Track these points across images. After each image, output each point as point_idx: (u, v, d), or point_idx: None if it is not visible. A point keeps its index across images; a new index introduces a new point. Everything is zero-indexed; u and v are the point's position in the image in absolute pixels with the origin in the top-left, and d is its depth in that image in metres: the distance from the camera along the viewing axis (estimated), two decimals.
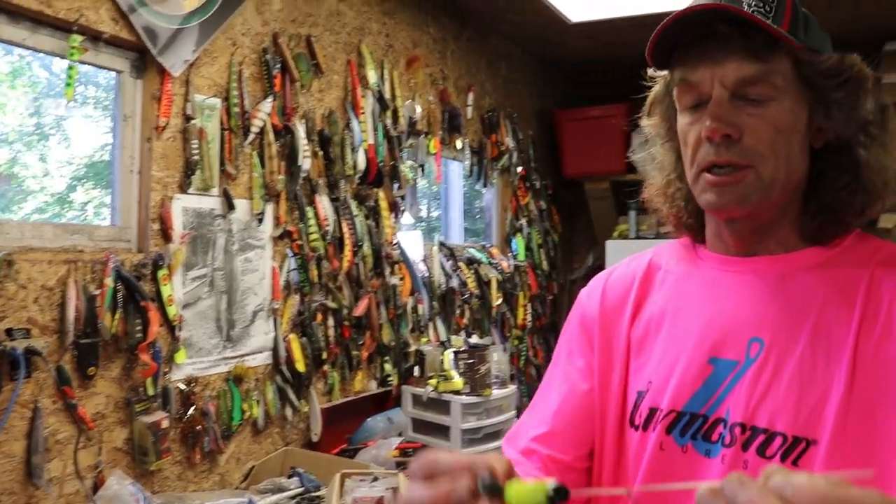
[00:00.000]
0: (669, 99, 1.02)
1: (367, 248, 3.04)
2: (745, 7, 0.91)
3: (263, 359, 2.64)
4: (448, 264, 3.75)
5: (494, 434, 3.19)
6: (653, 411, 0.95)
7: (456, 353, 3.25)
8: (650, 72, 1.07)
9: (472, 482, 0.62)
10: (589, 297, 1.11)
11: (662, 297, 1.03)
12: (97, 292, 2.03)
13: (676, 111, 0.99)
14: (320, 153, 2.84)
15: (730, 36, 0.90)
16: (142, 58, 2.26)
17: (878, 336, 0.84)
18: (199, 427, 2.35)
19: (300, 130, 2.70)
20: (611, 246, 4.54)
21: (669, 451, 0.92)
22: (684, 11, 0.90)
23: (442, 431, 3.12)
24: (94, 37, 2.09)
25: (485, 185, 4.27)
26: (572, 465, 1.01)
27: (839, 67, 0.93)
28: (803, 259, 0.94)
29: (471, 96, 3.96)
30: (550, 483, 0.60)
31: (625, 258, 1.15)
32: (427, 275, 3.55)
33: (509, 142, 4.37)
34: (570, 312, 1.12)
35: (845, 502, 0.44)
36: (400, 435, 3.11)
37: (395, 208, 3.29)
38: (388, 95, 3.22)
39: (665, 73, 1.03)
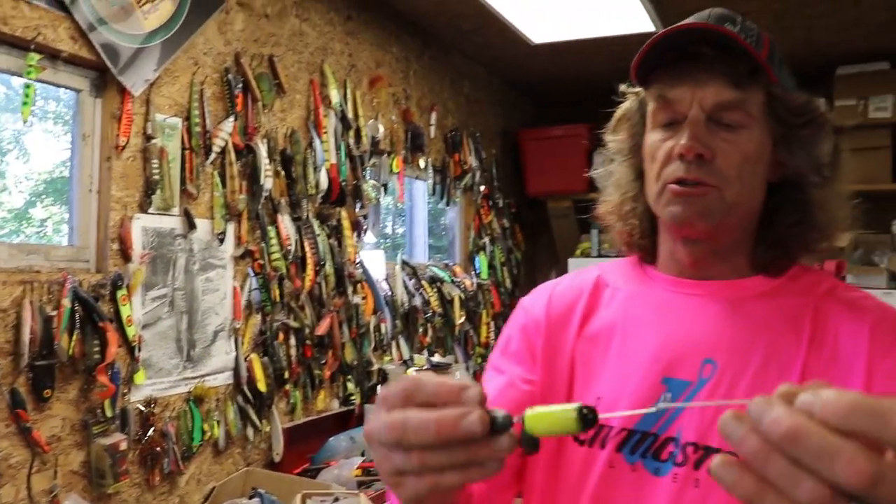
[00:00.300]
0: (639, 116, 1.05)
1: (329, 268, 3.04)
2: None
3: (224, 379, 2.62)
4: (411, 283, 3.76)
5: None
6: (601, 428, 0.96)
7: (419, 371, 3.25)
8: (622, 87, 1.09)
9: (484, 416, 0.56)
10: (533, 304, 1.12)
11: (611, 313, 1.04)
12: (54, 313, 2.00)
13: (644, 129, 1.03)
14: (282, 172, 2.84)
15: (713, 60, 0.94)
16: (101, 77, 2.24)
17: (825, 363, 0.88)
18: (158, 448, 2.32)
19: (262, 150, 2.70)
20: (573, 264, 4.59)
21: (619, 469, 0.93)
22: (677, 27, 0.94)
23: None
24: (53, 55, 2.08)
25: (447, 204, 4.29)
26: None
27: (806, 107, 0.98)
28: (752, 286, 0.98)
29: (433, 116, 3.99)
30: (574, 405, 0.55)
31: None
32: (390, 293, 3.56)
33: (472, 161, 4.40)
34: (510, 319, 1.13)
35: (876, 408, 0.41)
36: (362, 454, 3.10)
37: (357, 227, 3.30)
38: (350, 115, 3.24)
39: (637, 89, 1.06)
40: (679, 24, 0.95)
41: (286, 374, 2.85)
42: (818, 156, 0.98)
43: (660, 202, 0.96)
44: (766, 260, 0.99)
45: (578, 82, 4.69)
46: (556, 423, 0.55)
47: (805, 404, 0.42)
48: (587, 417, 0.54)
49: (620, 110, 1.09)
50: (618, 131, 1.09)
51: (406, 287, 3.71)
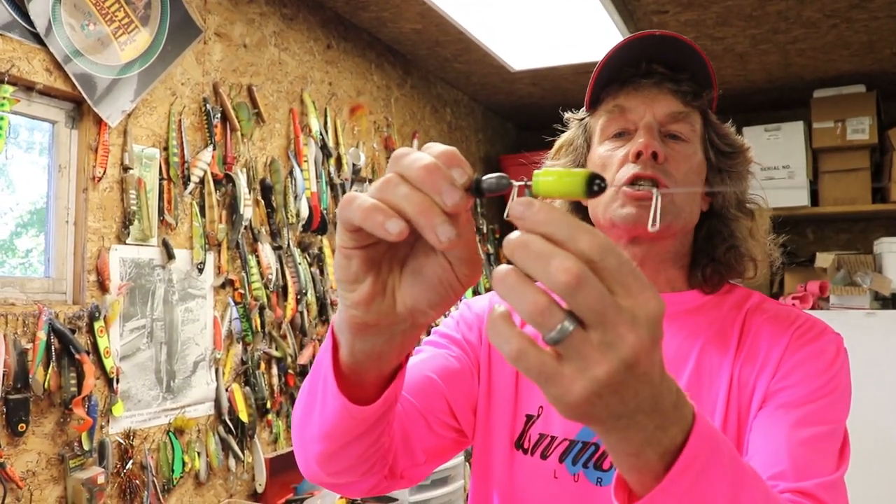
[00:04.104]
0: (582, 139, 1.14)
1: (311, 296, 3.03)
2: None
3: (205, 409, 2.59)
4: None
5: (443, 479, 3.17)
6: (543, 437, 1.01)
7: None
8: (567, 115, 1.17)
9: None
10: (475, 301, 1.17)
11: None
12: (29, 346, 1.99)
13: (585, 152, 1.10)
14: (262, 202, 2.84)
15: (664, 78, 1.05)
16: (78, 108, 2.25)
17: (747, 362, 0.96)
18: (137, 481, 2.29)
19: (241, 179, 2.70)
20: None
21: (562, 480, 0.96)
22: (647, 32, 1.04)
23: None
24: (27, 87, 2.08)
25: None
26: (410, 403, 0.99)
27: (734, 138, 1.10)
28: (687, 300, 1.07)
29: (415, 143, 4.00)
30: (585, 170, 0.53)
31: None
32: None
33: None
34: (445, 321, 1.16)
35: (573, 223, 0.48)
36: None
37: None
38: (331, 143, 3.24)
39: (582, 116, 1.15)
40: (648, 30, 1.05)
41: (268, 404, 2.83)
42: (743, 190, 1.09)
43: (612, 206, 1.02)
44: (701, 278, 1.07)
45: (559, 108, 4.72)
46: (564, 184, 0.53)
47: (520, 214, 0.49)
48: (596, 184, 0.53)
49: (563, 137, 1.17)
50: (559, 157, 1.15)
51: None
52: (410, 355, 0.72)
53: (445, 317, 1.15)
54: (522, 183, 0.58)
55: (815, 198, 4.38)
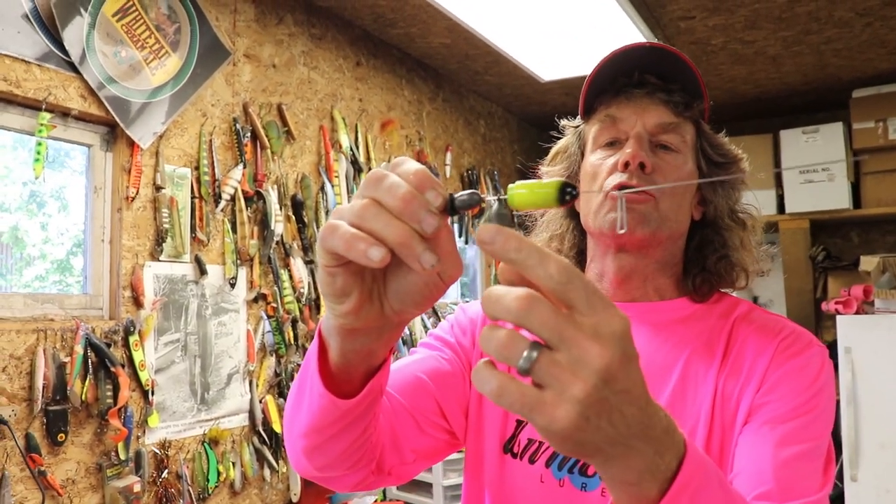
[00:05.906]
0: (577, 147, 1.15)
1: None
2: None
3: (239, 421, 2.67)
4: (430, 320, 3.79)
5: None
6: (531, 442, 1.02)
7: None
8: (563, 122, 1.18)
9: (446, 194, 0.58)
10: (470, 307, 1.19)
11: None
12: (67, 359, 2.08)
13: (579, 159, 1.11)
14: (293, 217, 2.91)
15: (655, 88, 1.06)
16: (111, 131, 2.35)
17: (731, 374, 0.96)
18: (173, 490, 2.37)
19: (272, 196, 2.77)
20: None
21: (548, 484, 0.98)
22: (641, 44, 1.07)
23: (423, 488, 3.13)
24: (64, 113, 2.18)
25: (467, 242, 4.33)
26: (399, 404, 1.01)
27: (728, 149, 1.11)
28: (676, 308, 1.06)
29: (449, 156, 4.05)
30: (557, 180, 0.56)
31: None
32: (408, 332, 3.59)
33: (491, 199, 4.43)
34: (441, 324, 1.18)
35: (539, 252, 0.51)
36: (383, 493, 3.12)
37: None
38: (362, 158, 3.31)
39: (577, 123, 1.14)
40: (640, 42, 1.07)
41: None
42: (735, 199, 1.09)
43: (600, 212, 1.03)
44: (692, 287, 1.07)
45: None
46: (537, 196, 0.56)
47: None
48: (567, 192, 0.56)
49: (559, 144, 1.17)
50: (554, 164, 1.16)
51: (424, 325, 3.74)
52: (394, 349, 0.76)
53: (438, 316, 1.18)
54: (496, 198, 0.61)
55: (857, 200, 4.30)
